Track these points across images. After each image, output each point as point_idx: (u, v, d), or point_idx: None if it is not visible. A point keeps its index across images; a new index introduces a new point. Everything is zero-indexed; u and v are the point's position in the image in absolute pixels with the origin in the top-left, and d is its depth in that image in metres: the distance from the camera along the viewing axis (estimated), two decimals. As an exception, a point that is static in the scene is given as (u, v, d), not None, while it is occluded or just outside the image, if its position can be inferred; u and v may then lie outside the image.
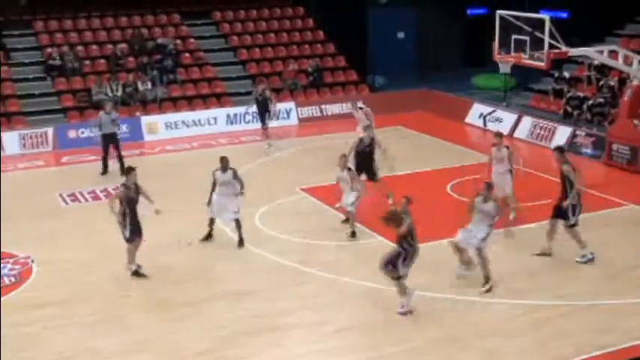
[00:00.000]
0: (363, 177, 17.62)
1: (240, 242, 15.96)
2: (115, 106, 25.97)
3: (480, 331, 12.47)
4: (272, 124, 24.26)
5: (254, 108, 24.12)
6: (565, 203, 14.75)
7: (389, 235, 15.53)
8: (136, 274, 14.57)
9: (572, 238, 15.02)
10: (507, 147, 17.22)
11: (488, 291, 13.74)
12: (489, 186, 14.03)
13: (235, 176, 15.80)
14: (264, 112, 23.82)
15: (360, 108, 21.84)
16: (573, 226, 14.96)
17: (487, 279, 13.83)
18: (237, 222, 15.88)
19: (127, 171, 14.95)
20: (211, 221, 16.12)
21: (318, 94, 29.11)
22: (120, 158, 21.20)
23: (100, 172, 21.28)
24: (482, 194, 13.81)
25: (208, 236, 16.25)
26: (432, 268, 14.58)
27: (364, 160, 18.01)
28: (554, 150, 15.61)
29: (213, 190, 15.90)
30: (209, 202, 15.96)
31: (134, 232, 14.45)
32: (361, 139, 18.22)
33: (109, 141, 21.33)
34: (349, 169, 16.37)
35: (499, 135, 17.53)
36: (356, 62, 30.83)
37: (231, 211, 15.82)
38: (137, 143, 23.46)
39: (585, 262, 14.87)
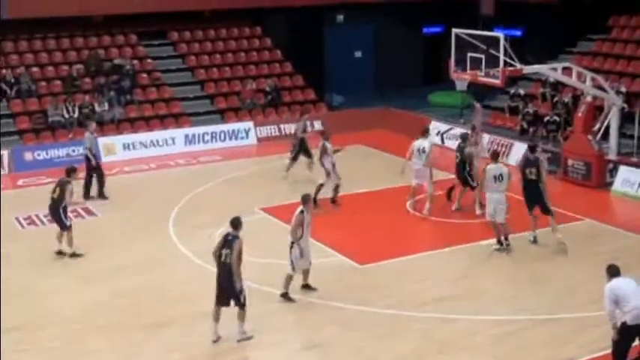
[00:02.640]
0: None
1: None
2: (72, 127, 25.92)
3: (444, 347, 12.52)
4: (230, 143, 23.85)
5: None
6: None
7: (349, 253, 15.57)
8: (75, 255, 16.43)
9: None
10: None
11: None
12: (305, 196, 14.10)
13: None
14: None
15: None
16: None
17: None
18: None
19: (72, 171, 17.38)
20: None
21: (276, 114, 29.11)
22: (89, 177, 21.01)
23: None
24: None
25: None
26: (395, 286, 14.64)
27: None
28: None
29: (410, 158, 18.80)
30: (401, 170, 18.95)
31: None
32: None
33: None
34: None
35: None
36: (314, 81, 30.91)
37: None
38: (95, 164, 23.18)
39: None
